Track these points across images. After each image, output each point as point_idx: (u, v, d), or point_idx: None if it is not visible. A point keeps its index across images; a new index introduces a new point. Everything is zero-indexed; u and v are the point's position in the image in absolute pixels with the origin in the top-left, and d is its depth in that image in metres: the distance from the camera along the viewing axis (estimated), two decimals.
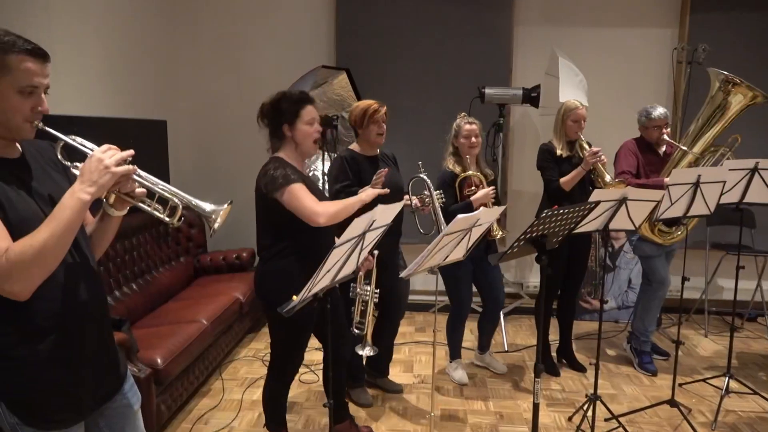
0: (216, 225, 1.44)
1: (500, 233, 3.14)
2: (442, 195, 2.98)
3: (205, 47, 4.93)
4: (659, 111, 3.50)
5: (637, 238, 3.60)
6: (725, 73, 3.28)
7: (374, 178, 2.59)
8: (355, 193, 2.61)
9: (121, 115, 3.96)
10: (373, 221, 1.73)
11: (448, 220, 3.30)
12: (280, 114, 2.35)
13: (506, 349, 4.08)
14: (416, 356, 3.98)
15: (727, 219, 4.26)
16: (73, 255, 1.42)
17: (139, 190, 1.44)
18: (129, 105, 4.11)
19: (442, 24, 4.70)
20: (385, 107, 2.96)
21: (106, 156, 1.32)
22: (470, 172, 3.24)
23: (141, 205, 1.46)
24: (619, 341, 4.21)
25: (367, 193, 2.45)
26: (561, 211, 2.20)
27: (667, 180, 3.27)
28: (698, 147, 3.41)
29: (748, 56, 4.48)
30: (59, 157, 1.43)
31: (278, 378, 2.58)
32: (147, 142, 4.34)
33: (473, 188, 3.22)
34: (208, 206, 1.44)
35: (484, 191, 3.15)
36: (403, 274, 2.07)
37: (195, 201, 1.44)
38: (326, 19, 4.83)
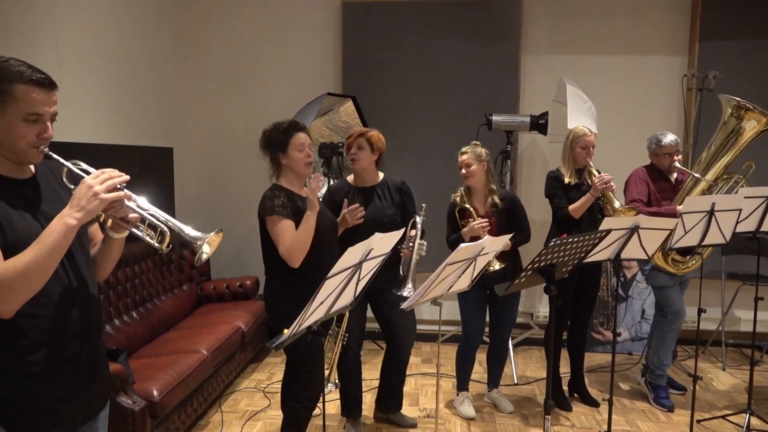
0: (204, 254, 1.41)
1: (497, 265, 3.04)
2: (425, 246, 2.84)
3: (212, 75, 4.96)
4: (669, 138, 3.43)
5: (650, 267, 3.49)
6: (737, 99, 3.22)
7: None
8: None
9: (128, 142, 3.96)
10: (370, 250, 1.66)
11: (451, 248, 3.24)
12: (272, 144, 2.49)
13: (516, 381, 3.94)
14: (422, 389, 3.85)
15: (743, 248, 4.13)
16: (70, 277, 1.44)
17: (133, 215, 1.45)
18: (135, 132, 4.11)
19: (449, 52, 4.70)
20: (356, 134, 2.95)
21: (96, 182, 1.34)
22: (464, 205, 3.18)
23: (134, 230, 1.47)
24: (633, 374, 4.06)
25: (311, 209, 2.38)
26: (570, 240, 2.12)
27: (680, 208, 3.19)
28: (711, 174, 3.33)
29: (758, 83, 4.43)
30: (65, 180, 1.47)
31: (295, 401, 2.51)
32: (153, 169, 4.33)
33: (467, 220, 3.16)
34: (193, 232, 1.42)
35: (470, 225, 3.09)
36: (404, 306, 2.00)
37: (180, 226, 1.42)
38: (333, 50, 4.84)
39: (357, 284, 1.73)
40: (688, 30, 4.63)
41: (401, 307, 2.06)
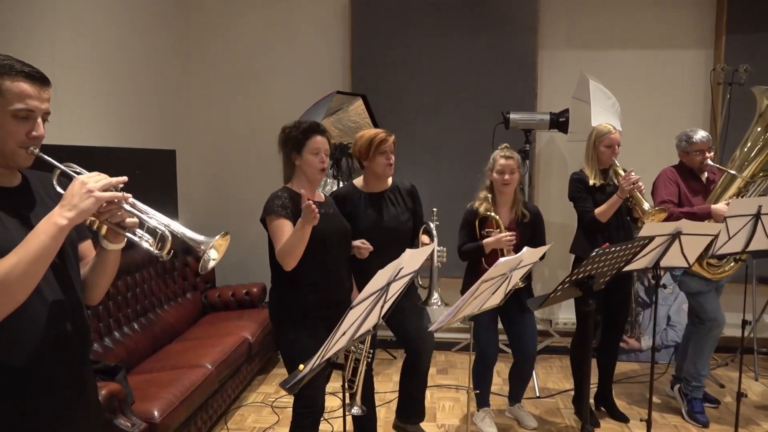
0: (211, 261, 1.29)
1: (520, 282, 2.76)
2: (445, 253, 2.64)
3: (216, 75, 4.78)
4: (701, 134, 3.22)
5: (683, 272, 3.28)
6: None
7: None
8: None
9: (129, 145, 3.78)
10: (400, 269, 1.46)
11: (463, 258, 3.04)
12: (288, 142, 2.42)
13: (537, 395, 3.73)
14: (439, 402, 3.65)
15: None
16: (59, 293, 1.32)
17: (131, 220, 1.32)
18: (136, 134, 3.93)
19: (462, 49, 4.50)
20: (393, 136, 2.73)
21: (91, 180, 1.24)
22: (489, 213, 2.95)
23: (131, 236, 1.33)
24: (661, 385, 3.84)
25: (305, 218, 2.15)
26: (612, 249, 1.92)
27: (715, 207, 2.99)
28: (747, 171, 3.11)
29: None
30: (55, 185, 1.34)
31: (299, 416, 2.40)
32: (155, 172, 4.16)
33: (491, 230, 2.93)
34: (197, 236, 1.30)
35: (497, 237, 2.86)
36: (432, 328, 1.80)
37: (183, 230, 1.29)
38: (341, 48, 4.65)
39: (383, 306, 1.53)
40: (713, 23, 4.42)
41: (429, 329, 1.87)
